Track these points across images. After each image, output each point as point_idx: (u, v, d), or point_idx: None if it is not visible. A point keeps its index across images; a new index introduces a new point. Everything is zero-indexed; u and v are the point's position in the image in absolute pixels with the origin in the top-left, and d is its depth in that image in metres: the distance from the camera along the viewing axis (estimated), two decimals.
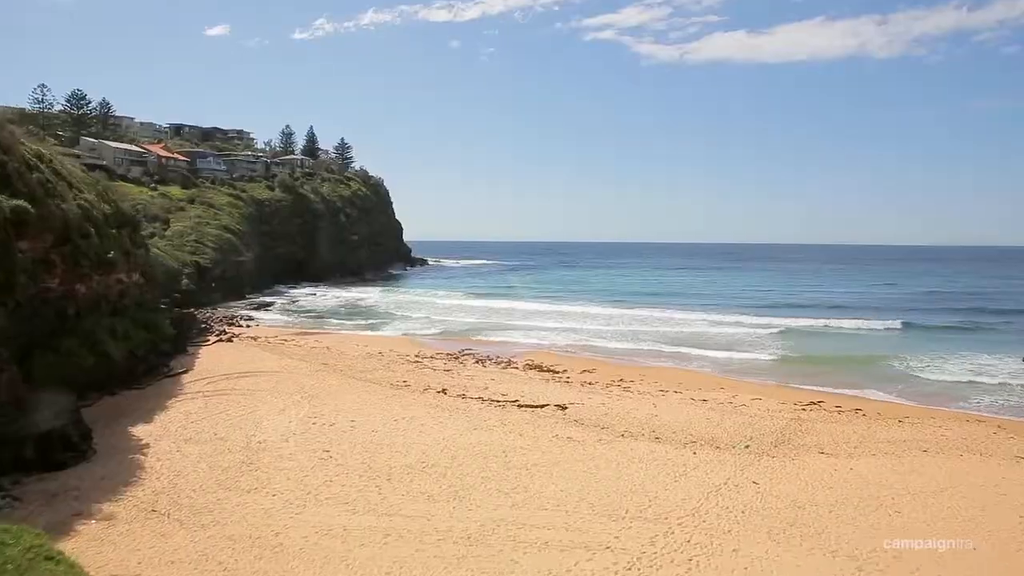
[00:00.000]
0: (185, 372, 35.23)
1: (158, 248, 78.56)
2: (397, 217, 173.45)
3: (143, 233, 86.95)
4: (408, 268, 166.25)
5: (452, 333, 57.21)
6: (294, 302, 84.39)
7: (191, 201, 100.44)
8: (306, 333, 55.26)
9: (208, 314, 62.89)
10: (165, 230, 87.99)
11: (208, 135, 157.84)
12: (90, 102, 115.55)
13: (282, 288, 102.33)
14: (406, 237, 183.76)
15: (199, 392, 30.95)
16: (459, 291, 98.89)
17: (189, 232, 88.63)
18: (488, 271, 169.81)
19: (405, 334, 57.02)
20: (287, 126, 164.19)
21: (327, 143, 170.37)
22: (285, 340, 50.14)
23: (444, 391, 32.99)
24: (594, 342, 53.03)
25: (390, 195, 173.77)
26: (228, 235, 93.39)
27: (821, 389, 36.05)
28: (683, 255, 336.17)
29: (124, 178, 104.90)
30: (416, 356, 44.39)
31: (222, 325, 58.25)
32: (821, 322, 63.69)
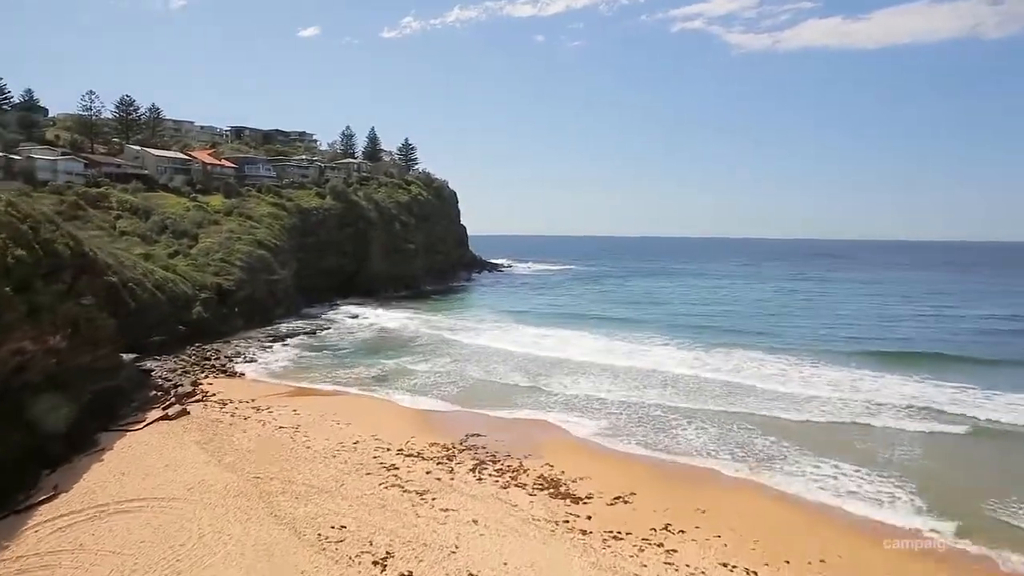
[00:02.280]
0: (48, 500, 25.33)
1: (174, 270, 71.35)
2: (469, 218, 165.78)
3: (170, 249, 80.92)
4: (473, 276, 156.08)
5: (471, 397, 45.65)
6: (323, 330, 75.20)
7: (228, 213, 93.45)
8: (296, 394, 45.23)
9: (191, 359, 54.02)
10: (191, 247, 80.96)
11: (269, 137, 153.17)
12: (138, 108, 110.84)
13: (321, 308, 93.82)
14: (488, 233, 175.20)
15: (17, 556, 20.82)
16: (512, 315, 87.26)
17: (217, 249, 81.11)
18: (560, 280, 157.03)
19: (414, 394, 46.03)
20: (347, 127, 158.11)
21: (396, 143, 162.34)
22: (258, 409, 40.17)
23: (384, 562, 21.55)
24: (654, 418, 40.38)
25: (457, 197, 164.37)
26: (261, 251, 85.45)
27: None
28: (781, 255, 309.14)
29: (165, 187, 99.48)
30: (400, 450, 33.24)
31: (203, 374, 49.16)
32: None
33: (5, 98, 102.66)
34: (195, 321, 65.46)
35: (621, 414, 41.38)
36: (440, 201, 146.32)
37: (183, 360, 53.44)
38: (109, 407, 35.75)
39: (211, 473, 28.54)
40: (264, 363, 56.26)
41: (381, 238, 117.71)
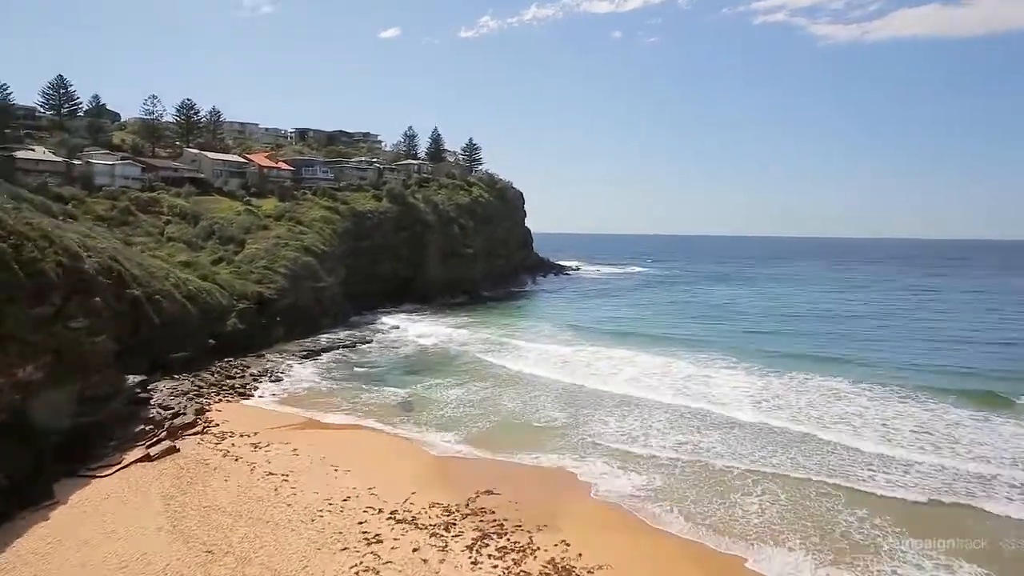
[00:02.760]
0: None
1: (213, 279, 69.08)
2: (539, 217, 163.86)
3: (215, 256, 79.05)
4: (538, 280, 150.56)
5: (497, 436, 40.24)
6: (365, 342, 71.53)
7: (279, 217, 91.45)
8: (307, 426, 41.17)
9: (212, 377, 50.83)
10: (236, 253, 78.96)
11: (332, 138, 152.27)
12: (199, 111, 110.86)
13: (371, 316, 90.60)
14: (559, 232, 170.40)
15: None
16: (567, 328, 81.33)
17: (262, 256, 78.79)
18: (628, 286, 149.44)
19: (436, 430, 41.08)
20: (409, 128, 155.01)
21: (473, 143, 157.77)
22: (257, 446, 36.15)
23: None
24: (708, 477, 33.97)
25: (523, 199, 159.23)
26: (307, 258, 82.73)
27: None
28: (876, 258, 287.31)
29: (220, 191, 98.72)
30: (392, 512, 28.25)
31: (217, 397, 45.84)
32: None
33: (74, 104, 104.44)
34: (229, 334, 62.79)
35: (668, 467, 35.00)
36: (503, 203, 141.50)
37: (202, 379, 50.40)
38: (86, 445, 32.28)
39: (157, 545, 24.26)
40: (289, 383, 52.70)
41: (438, 242, 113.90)
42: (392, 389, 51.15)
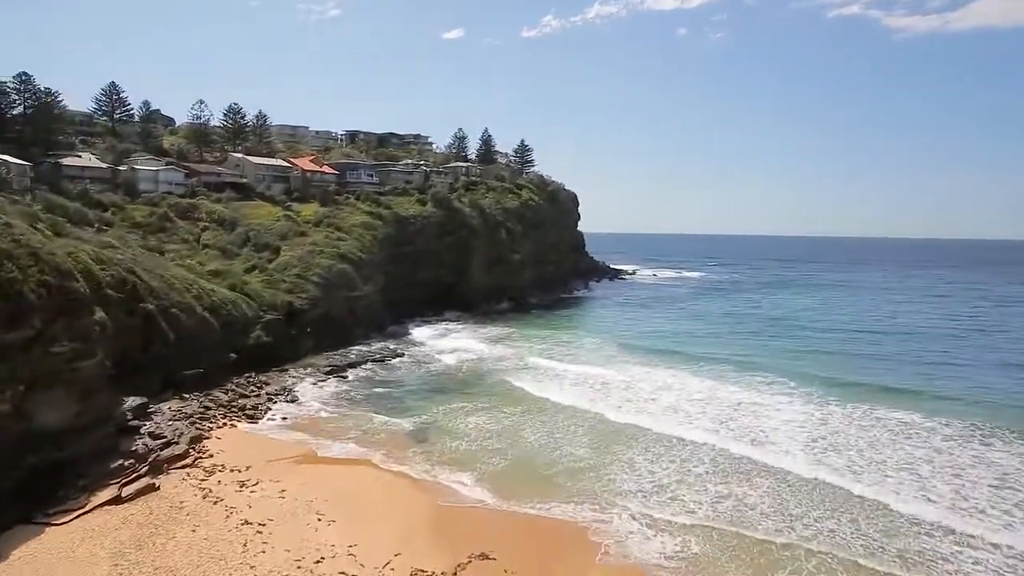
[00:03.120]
0: None
1: (241, 288, 67.11)
2: (595, 219, 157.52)
3: (248, 264, 77.42)
4: (590, 285, 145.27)
5: (511, 479, 36.08)
6: (396, 356, 68.58)
7: (318, 223, 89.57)
8: (305, 460, 38.00)
9: (225, 395, 48.29)
10: (270, 261, 77.18)
11: (383, 140, 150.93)
12: (244, 116, 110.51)
13: (409, 325, 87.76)
14: (615, 231, 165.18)
15: None
16: (612, 344, 76.38)
17: (295, 263, 76.75)
18: (683, 292, 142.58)
19: (446, 468, 37.27)
20: (459, 129, 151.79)
21: (533, 144, 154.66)
22: (243, 485, 33.17)
23: None
24: (753, 549, 28.99)
25: (576, 201, 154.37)
26: (343, 265, 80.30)
27: None
28: (958, 262, 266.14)
29: (262, 196, 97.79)
30: None
31: (222, 420, 43.30)
32: None
33: (126, 110, 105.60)
34: (252, 347, 60.57)
35: (702, 529, 30.09)
36: (553, 206, 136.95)
37: (213, 399, 48.04)
38: (53, 484, 29.76)
39: None
40: (304, 403, 49.93)
41: (483, 248, 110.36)
42: (410, 414, 47.69)
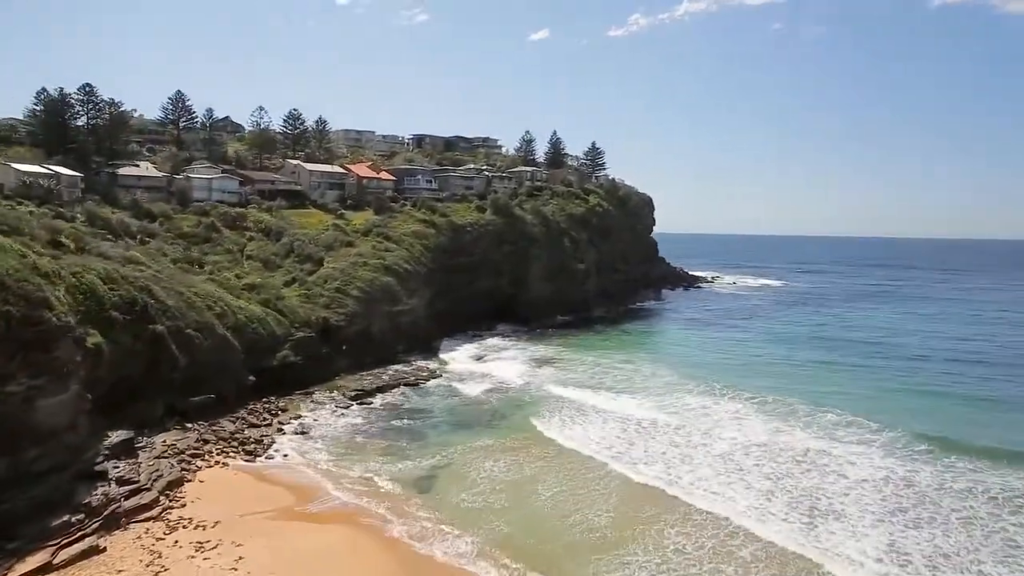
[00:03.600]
0: None
1: (273, 304, 64.36)
2: (680, 220, 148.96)
3: (288, 276, 74.74)
4: (663, 294, 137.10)
5: (501, 551, 30.59)
6: (433, 377, 64.50)
7: (367, 232, 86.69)
8: (282, 516, 33.85)
9: (232, 424, 44.95)
10: (312, 273, 74.49)
11: (451, 144, 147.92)
12: (304, 121, 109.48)
13: (458, 340, 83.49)
14: (705, 232, 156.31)
15: None
16: (671, 368, 69.35)
17: (336, 276, 73.77)
18: (764, 303, 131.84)
19: (442, 528, 32.26)
20: (527, 132, 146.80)
21: (607, 146, 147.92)
22: (200, 548, 29.27)
23: None
24: None
25: (652, 205, 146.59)
26: (387, 278, 76.84)
27: None
28: None
29: (316, 203, 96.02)
30: None
31: (215, 457, 40.00)
32: None
33: (192, 118, 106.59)
34: (275, 369, 57.60)
35: None
36: (624, 211, 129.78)
37: (217, 429, 45.04)
38: None
39: None
40: (312, 437, 46.21)
41: (544, 257, 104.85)
42: (423, 456, 42.99)
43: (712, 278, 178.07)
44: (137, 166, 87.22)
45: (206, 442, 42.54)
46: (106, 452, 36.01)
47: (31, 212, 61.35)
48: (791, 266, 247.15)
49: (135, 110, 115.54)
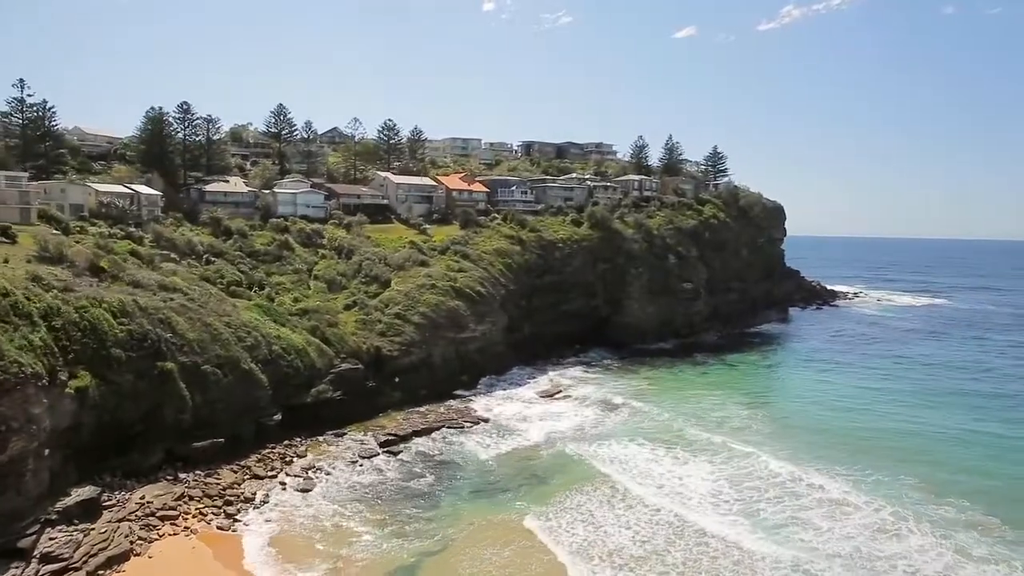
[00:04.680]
0: None
1: (321, 332, 60.40)
2: (835, 222, 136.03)
3: (350, 300, 70.09)
4: (788, 314, 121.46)
5: None
6: (482, 420, 57.91)
7: (444, 251, 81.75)
8: None
9: (229, 474, 40.78)
10: (376, 295, 70.31)
11: (562, 151, 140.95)
12: (398, 131, 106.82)
13: (537, 368, 76.27)
14: (863, 236, 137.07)
15: None
16: (774, 417, 58.43)
17: (399, 300, 69.19)
18: (912, 329, 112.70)
19: None
20: (640, 137, 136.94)
21: (735, 148, 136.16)
22: None
23: None
24: None
25: (783, 213, 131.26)
26: (455, 302, 71.28)
27: None
28: None
29: (399, 218, 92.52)
30: None
31: (183, 525, 35.77)
32: None
33: (292, 130, 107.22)
34: (308, 405, 53.56)
35: None
36: (743, 223, 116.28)
37: (212, 480, 41.51)
38: None
39: None
40: (310, 498, 41.29)
41: (645, 276, 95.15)
42: (424, 534, 36.74)
43: (853, 294, 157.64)
44: (227, 182, 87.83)
45: (190, 499, 38.66)
46: (54, 516, 32.59)
47: (99, 233, 61.82)
48: (961, 280, 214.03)
49: (250, 123, 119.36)
